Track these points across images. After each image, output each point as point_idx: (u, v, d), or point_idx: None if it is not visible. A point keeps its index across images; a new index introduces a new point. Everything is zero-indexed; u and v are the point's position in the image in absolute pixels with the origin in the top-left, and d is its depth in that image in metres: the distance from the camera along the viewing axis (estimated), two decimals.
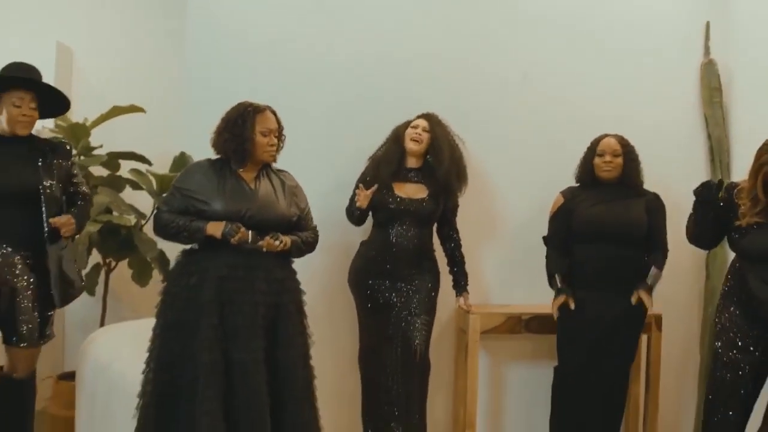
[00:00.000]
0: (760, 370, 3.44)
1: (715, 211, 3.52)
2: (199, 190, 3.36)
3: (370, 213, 4.36)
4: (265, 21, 4.63)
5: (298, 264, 3.62)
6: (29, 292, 3.46)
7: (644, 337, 4.56)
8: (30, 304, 3.47)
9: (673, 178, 4.67)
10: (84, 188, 3.73)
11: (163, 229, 3.41)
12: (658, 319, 4.52)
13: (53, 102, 3.62)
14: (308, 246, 3.55)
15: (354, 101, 4.64)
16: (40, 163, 3.48)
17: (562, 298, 4.09)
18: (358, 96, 4.65)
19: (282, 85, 4.56)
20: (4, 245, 3.42)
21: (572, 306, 4.04)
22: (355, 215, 4.29)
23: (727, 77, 4.88)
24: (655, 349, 4.57)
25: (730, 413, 3.45)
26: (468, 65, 4.78)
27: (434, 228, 4.40)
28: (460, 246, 4.43)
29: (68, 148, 3.71)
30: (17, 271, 3.44)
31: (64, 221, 3.49)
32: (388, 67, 4.69)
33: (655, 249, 4.11)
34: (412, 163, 4.27)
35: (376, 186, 4.16)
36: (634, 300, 4.02)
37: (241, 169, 3.43)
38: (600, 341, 4.08)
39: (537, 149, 4.75)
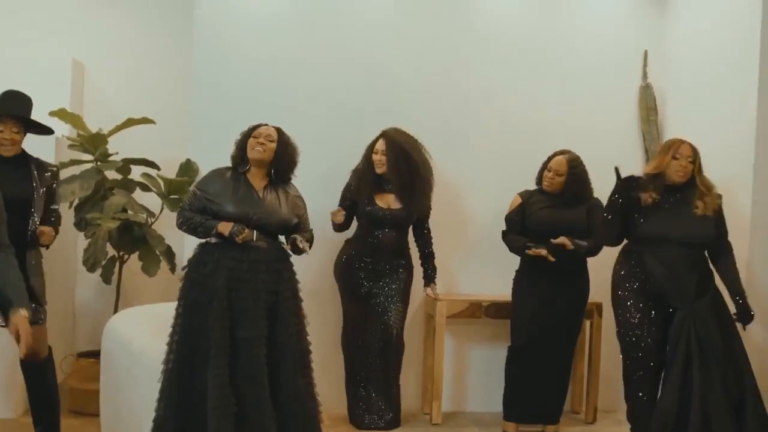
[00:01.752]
0: (661, 334, 4.06)
1: (619, 210, 4.12)
2: (215, 194, 3.90)
3: (354, 217, 4.95)
4: (265, 39, 5.20)
5: (292, 257, 4.16)
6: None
7: (587, 323, 5.15)
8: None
9: (614, 183, 5.26)
10: (58, 208, 4.17)
11: (183, 225, 3.96)
12: (599, 307, 5.12)
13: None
14: (307, 243, 4.05)
15: (342, 111, 5.22)
16: (34, 179, 3.94)
17: (541, 248, 4.56)
18: (346, 106, 5.23)
19: (279, 97, 5.15)
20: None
21: (551, 258, 4.53)
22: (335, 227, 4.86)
23: (662, 99, 5.50)
24: (596, 332, 5.18)
25: (642, 373, 4.09)
26: (440, 82, 5.35)
27: (409, 229, 4.98)
28: (431, 243, 5.03)
29: (56, 170, 4.16)
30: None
31: (48, 231, 3.94)
32: (373, 81, 5.27)
33: (592, 236, 4.59)
34: (379, 167, 4.83)
35: (344, 212, 4.79)
36: (556, 241, 4.54)
37: (248, 174, 3.95)
38: (548, 323, 4.67)
39: (497, 158, 5.30)
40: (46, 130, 4.14)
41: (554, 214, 4.67)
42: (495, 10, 5.44)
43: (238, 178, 3.96)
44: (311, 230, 4.13)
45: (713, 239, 4.09)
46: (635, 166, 5.41)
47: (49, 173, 4.08)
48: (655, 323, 4.07)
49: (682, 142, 4.14)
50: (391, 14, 5.35)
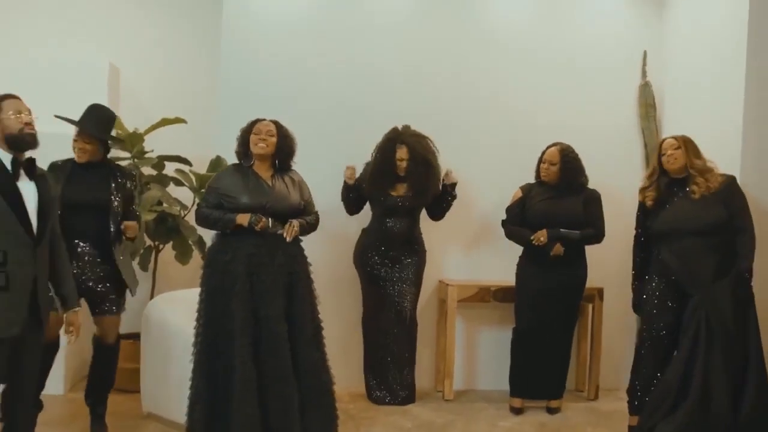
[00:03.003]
0: (676, 318, 4.34)
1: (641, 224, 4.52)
2: (229, 189, 4.24)
3: (369, 206, 5.31)
4: (287, 43, 5.59)
5: (314, 249, 4.52)
6: (105, 278, 4.29)
7: (589, 306, 5.50)
8: (105, 288, 4.29)
9: (615, 177, 5.58)
10: (137, 209, 4.60)
11: (203, 221, 4.32)
12: (600, 292, 5.46)
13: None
14: (312, 226, 4.42)
15: (358, 109, 5.57)
16: (112, 184, 4.32)
17: (542, 233, 4.90)
18: (361, 105, 5.59)
19: (298, 94, 5.54)
20: (83, 243, 4.25)
21: (543, 239, 4.87)
22: (348, 198, 5.21)
23: (660, 97, 5.80)
24: (597, 315, 5.51)
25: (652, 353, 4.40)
26: (449, 82, 5.69)
27: (420, 217, 5.30)
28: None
29: (134, 174, 4.56)
30: (98, 261, 4.27)
31: (132, 225, 4.35)
32: (386, 82, 5.64)
33: (593, 225, 4.97)
34: (401, 171, 5.18)
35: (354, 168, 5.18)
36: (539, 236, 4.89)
37: (254, 168, 4.28)
38: (548, 307, 4.99)
39: (504, 152, 5.60)
40: (117, 141, 4.62)
41: (552, 206, 4.99)
42: (501, 14, 5.78)
43: (246, 172, 4.29)
44: (316, 212, 4.47)
45: (724, 220, 4.27)
46: (635, 159, 5.80)
47: (129, 181, 4.46)
48: (672, 308, 4.35)
49: (664, 139, 4.50)
50: (403, 20, 5.71)
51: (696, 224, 4.26)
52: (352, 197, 5.30)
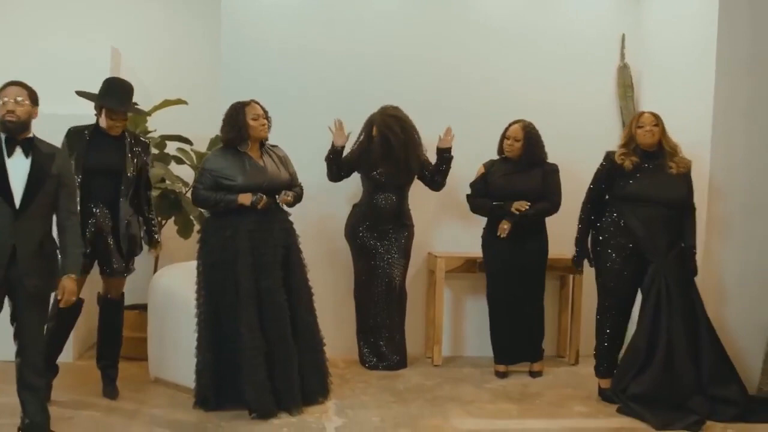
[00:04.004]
0: (634, 281, 4.72)
1: (602, 184, 4.81)
2: (224, 170, 4.50)
3: (360, 181, 5.57)
4: (286, 29, 5.85)
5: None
6: (116, 239, 4.56)
7: (570, 277, 5.81)
8: (116, 247, 4.56)
9: (595, 153, 5.57)
10: (149, 177, 4.85)
11: (203, 203, 4.57)
12: None
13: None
14: (299, 197, 4.74)
15: (355, 93, 5.79)
16: (128, 153, 4.57)
17: (505, 223, 5.20)
18: (358, 89, 5.82)
19: (296, 77, 5.80)
20: (100, 204, 4.51)
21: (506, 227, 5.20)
22: (333, 162, 5.40)
23: (638, 77, 6.08)
24: (578, 286, 5.80)
25: (614, 313, 4.78)
26: (441, 65, 5.95)
27: (408, 192, 5.56)
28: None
29: (148, 144, 4.82)
30: (110, 223, 4.54)
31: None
32: (382, 66, 5.90)
33: (549, 198, 5.26)
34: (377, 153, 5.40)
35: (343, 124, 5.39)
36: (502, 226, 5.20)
37: (247, 149, 4.53)
38: (514, 275, 5.29)
39: (491, 131, 5.66)
40: (138, 111, 4.87)
41: (511, 180, 5.27)
42: (490, 2, 6.06)
43: (237, 153, 4.55)
44: (300, 184, 4.79)
45: (686, 200, 4.71)
46: (614, 137, 5.90)
47: (144, 151, 4.72)
48: (629, 272, 4.72)
49: (642, 112, 4.83)
50: (398, 8, 5.97)
51: (669, 196, 4.63)
52: (334, 162, 5.46)
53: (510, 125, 5.34)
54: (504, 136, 5.35)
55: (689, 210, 4.76)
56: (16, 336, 3.75)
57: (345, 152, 5.50)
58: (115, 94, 4.57)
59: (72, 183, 3.93)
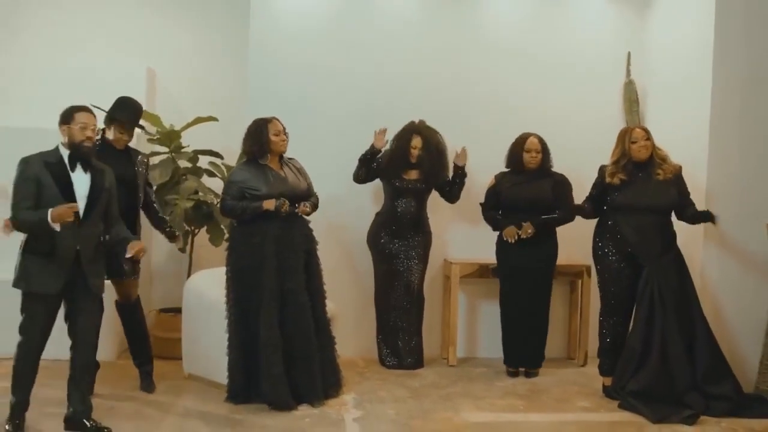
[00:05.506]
0: (631, 284, 4.99)
1: (597, 194, 5.12)
2: (249, 181, 4.82)
3: (383, 189, 5.88)
4: (308, 49, 6.20)
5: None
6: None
7: (579, 282, 6.06)
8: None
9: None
10: (151, 188, 5.18)
11: (230, 212, 4.89)
12: (588, 269, 5.94)
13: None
14: (315, 207, 5.06)
15: (374, 108, 6.10)
16: (137, 167, 4.92)
17: (512, 228, 5.47)
18: (377, 104, 6.14)
19: (319, 94, 6.14)
20: None
21: (530, 230, 5.43)
22: (366, 163, 5.73)
23: (643, 93, 6.34)
24: (585, 290, 6.05)
25: (615, 316, 5.06)
26: (453, 81, 6.26)
27: (427, 200, 5.86)
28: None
29: (146, 160, 5.14)
30: None
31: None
32: (398, 82, 6.22)
33: (562, 209, 5.53)
34: (413, 158, 5.78)
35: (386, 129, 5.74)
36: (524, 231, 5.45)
37: (267, 162, 4.85)
38: (522, 281, 5.56)
39: (501, 145, 5.88)
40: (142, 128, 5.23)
41: (522, 191, 5.55)
42: (499, 21, 6.38)
43: (260, 166, 4.88)
44: (316, 194, 5.12)
45: (676, 204, 5.00)
46: None
47: (143, 164, 5.06)
48: (627, 276, 5.01)
49: (632, 128, 5.12)
50: (411, 28, 6.29)
51: (657, 202, 4.94)
52: (366, 164, 5.79)
53: (525, 138, 5.58)
54: (523, 150, 5.58)
55: (687, 207, 5.06)
56: (71, 333, 4.17)
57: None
58: (126, 110, 4.93)
59: (116, 194, 4.36)
